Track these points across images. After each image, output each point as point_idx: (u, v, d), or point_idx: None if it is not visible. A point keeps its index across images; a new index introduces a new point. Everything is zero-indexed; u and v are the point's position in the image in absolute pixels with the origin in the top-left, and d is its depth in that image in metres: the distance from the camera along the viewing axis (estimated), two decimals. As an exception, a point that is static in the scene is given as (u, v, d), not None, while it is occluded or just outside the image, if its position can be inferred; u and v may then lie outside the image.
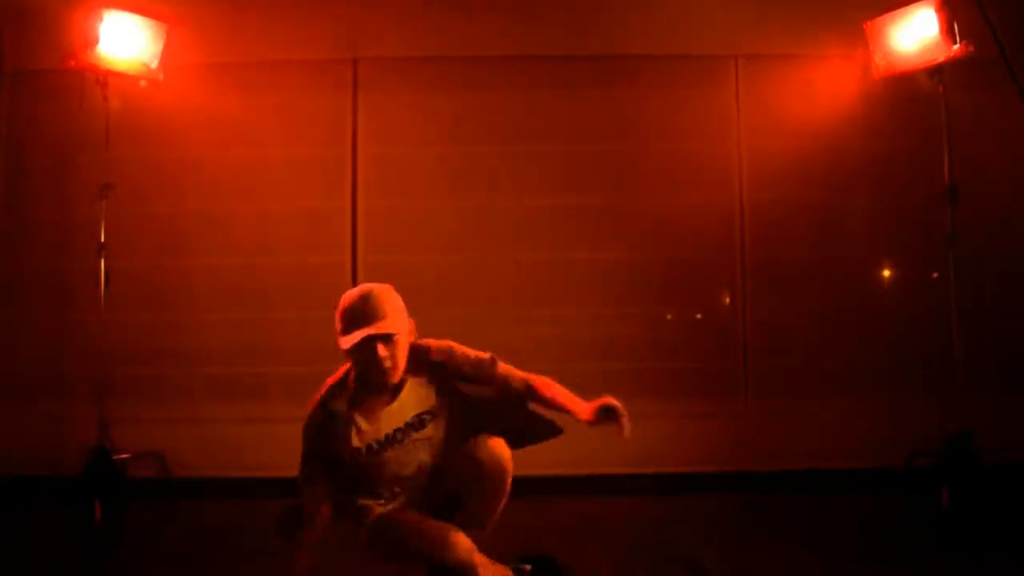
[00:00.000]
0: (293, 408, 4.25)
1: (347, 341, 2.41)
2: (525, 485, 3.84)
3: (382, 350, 2.40)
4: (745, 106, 4.40)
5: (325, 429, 2.51)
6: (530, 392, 2.63)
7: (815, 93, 4.31)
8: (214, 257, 4.33)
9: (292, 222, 4.33)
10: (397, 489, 2.56)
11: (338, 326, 2.47)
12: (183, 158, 4.31)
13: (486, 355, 2.59)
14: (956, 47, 3.66)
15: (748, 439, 4.27)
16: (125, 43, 3.85)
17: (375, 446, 2.50)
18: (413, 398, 2.53)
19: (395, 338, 2.42)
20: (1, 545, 3.34)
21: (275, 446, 4.26)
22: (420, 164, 4.25)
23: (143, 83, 3.95)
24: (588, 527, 3.45)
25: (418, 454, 2.53)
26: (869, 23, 3.98)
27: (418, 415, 2.53)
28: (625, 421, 2.57)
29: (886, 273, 4.46)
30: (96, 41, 3.76)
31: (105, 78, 3.85)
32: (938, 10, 3.72)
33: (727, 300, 4.39)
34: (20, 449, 4.09)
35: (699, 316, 4.43)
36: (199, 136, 4.30)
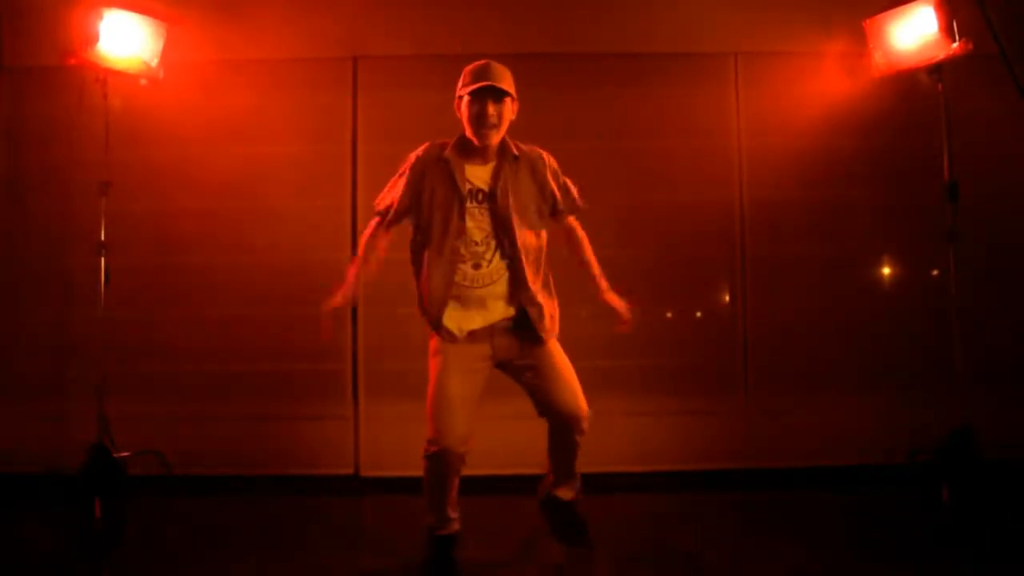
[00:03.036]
0: (293, 406, 4.30)
1: (466, 89, 2.79)
2: (524, 483, 3.85)
3: (491, 107, 2.77)
4: (745, 103, 4.40)
5: (432, 166, 2.88)
6: (571, 237, 3.09)
7: (815, 90, 4.31)
8: (214, 255, 4.33)
9: (292, 220, 4.32)
10: (464, 253, 2.84)
11: (460, 81, 2.85)
12: (182, 156, 4.31)
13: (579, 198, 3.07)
14: (955, 45, 3.66)
15: (748, 436, 4.28)
16: (125, 41, 3.85)
17: (469, 195, 2.84)
18: (499, 173, 2.85)
19: (505, 100, 2.80)
20: (1, 543, 3.35)
21: (275, 444, 4.30)
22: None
23: (143, 81, 3.95)
24: (589, 527, 3.45)
25: (487, 224, 2.84)
26: (869, 21, 3.98)
27: (498, 187, 2.84)
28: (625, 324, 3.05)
29: (886, 270, 4.46)
30: (96, 39, 3.76)
31: (105, 76, 3.85)
32: (937, 8, 3.73)
33: (727, 297, 4.40)
34: (20, 447, 4.09)
35: (699, 314, 4.44)
36: (199, 134, 4.30)
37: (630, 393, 4.23)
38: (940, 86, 3.79)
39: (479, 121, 2.78)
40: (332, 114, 4.38)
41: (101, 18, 3.77)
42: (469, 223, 2.82)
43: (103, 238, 3.88)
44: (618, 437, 4.22)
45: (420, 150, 2.94)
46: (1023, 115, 2.56)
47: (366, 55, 4.40)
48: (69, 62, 3.78)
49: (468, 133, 2.84)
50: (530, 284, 2.86)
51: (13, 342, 4.27)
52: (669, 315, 4.42)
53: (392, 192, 2.98)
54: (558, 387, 2.90)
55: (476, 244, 2.83)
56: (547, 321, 2.90)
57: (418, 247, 2.94)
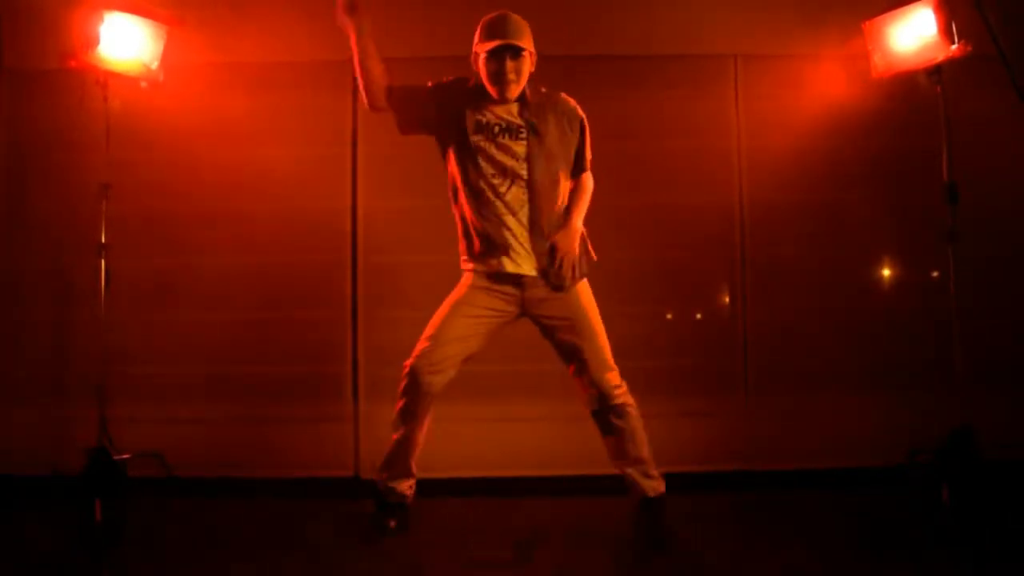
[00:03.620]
0: (293, 408, 4.30)
1: (484, 47, 2.82)
2: (524, 486, 3.86)
3: (510, 63, 2.80)
4: (744, 105, 4.40)
5: (455, 96, 2.95)
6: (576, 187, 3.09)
7: (814, 92, 4.32)
8: (214, 257, 4.33)
9: (292, 222, 4.32)
10: (486, 185, 2.91)
11: (477, 36, 2.87)
12: (183, 158, 4.31)
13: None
14: (954, 47, 3.67)
15: (748, 438, 4.27)
16: (125, 44, 3.85)
17: (478, 125, 2.89)
18: (517, 114, 2.91)
19: (523, 54, 2.83)
20: (1, 544, 3.35)
21: (275, 447, 4.29)
22: (420, 164, 4.24)
23: (143, 84, 3.96)
24: (590, 528, 3.46)
25: (504, 160, 2.88)
26: (867, 23, 3.99)
27: (515, 123, 2.89)
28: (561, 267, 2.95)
29: (886, 271, 4.46)
30: (96, 42, 3.76)
31: (105, 78, 3.86)
32: (936, 10, 3.73)
33: (727, 299, 4.40)
34: (20, 448, 4.10)
35: (699, 315, 4.44)
36: (199, 136, 4.30)
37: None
38: (939, 88, 3.80)
39: (497, 79, 2.81)
40: (332, 116, 4.38)
41: (101, 21, 3.77)
42: (488, 156, 2.88)
43: (103, 240, 3.88)
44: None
45: (445, 78, 3.00)
46: (1022, 116, 2.57)
47: (365, 57, 4.40)
48: (69, 65, 3.79)
49: (488, 88, 2.87)
50: (546, 219, 2.92)
51: (13, 344, 4.28)
52: (669, 316, 4.42)
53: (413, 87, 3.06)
54: (589, 349, 2.97)
55: (493, 175, 2.88)
56: (567, 267, 2.95)
57: (450, 182, 3.05)
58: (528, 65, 2.88)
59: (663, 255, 4.34)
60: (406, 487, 3.11)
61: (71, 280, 4.22)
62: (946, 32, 3.69)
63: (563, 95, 3.03)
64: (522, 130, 2.89)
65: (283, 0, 4.32)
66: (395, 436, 3.11)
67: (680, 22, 4.35)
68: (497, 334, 3.05)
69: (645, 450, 3.08)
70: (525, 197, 2.88)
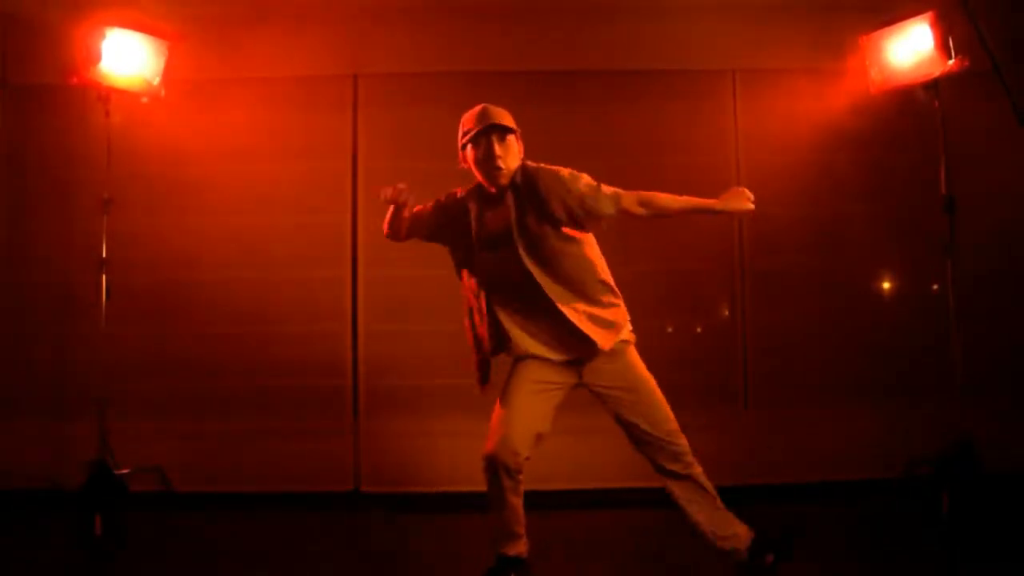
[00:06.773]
0: (294, 422, 4.30)
1: (468, 136, 2.73)
2: (530, 499, 3.84)
3: (497, 146, 2.70)
4: (743, 120, 4.43)
5: (455, 215, 2.85)
6: (647, 211, 2.97)
7: (812, 107, 4.34)
8: (215, 272, 4.35)
9: (293, 237, 4.35)
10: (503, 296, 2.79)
11: (461, 131, 2.78)
12: (184, 174, 4.34)
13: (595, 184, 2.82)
14: (951, 61, 3.70)
15: (748, 450, 4.27)
16: (127, 60, 3.89)
17: (481, 241, 2.78)
18: (508, 213, 2.75)
19: (508, 138, 2.74)
20: (2, 558, 3.34)
21: (276, 461, 4.29)
22: (420, 178, 4.25)
23: (145, 99, 3.98)
24: (593, 540, 3.45)
25: (520, 262, 2.73)
26: (865, 38, 4.02)
27: (517, 224, 2.74)
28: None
29: (885, 283, 4.48)
30: (99, 58, 3.80)
31: (107, 94, 3.88)
32: (933, 25, 3.76)
33: (726, 311, 4.41)
34: (21, 463, 4.09)
35: (699, 328, 4.45)
36: (200, 152, 4.33)
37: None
38: (936, 102, 3.83)
39: (488, 162, 2.70)
40: (333, 131, 4.41)
41: (103, 37, 3.81)
42: (499, 267, 2.78)
43: (104, 255, 3.89)
44: (617, 452, 4.21)
45: (443, 197, 2.91)
46: (1019, 130, 2.58)
47: (366, 73, 4.44)
48: (72, 80, 3.82)
49: (480, 178, 2.79)
50: (565, 303, 2.79)
51: (15, 358, 4.28)
52: (669, 329, 4.43)
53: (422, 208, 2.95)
54: (650, 414, 2.98)
55: (514, 284, 2.77)
56: (589, 324, 2.83)
57: (464, 290, 2.92)
58: (515, 149, 2.77)
59: (662, 269, 4.36)
60: (522, 547, 2.97)
61: (72, 294, 4.22)
62: (943, 47, 3.72)
63: (549, 169, 2.80)
64: (507, 238, 2.76)
65: (284, 17, 4.36)
66: (495, 535, 2.95)
67: (679, 37, 4.39)
68: (561, 407, 2.92)
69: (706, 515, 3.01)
70: (540, 290, 2.76)
